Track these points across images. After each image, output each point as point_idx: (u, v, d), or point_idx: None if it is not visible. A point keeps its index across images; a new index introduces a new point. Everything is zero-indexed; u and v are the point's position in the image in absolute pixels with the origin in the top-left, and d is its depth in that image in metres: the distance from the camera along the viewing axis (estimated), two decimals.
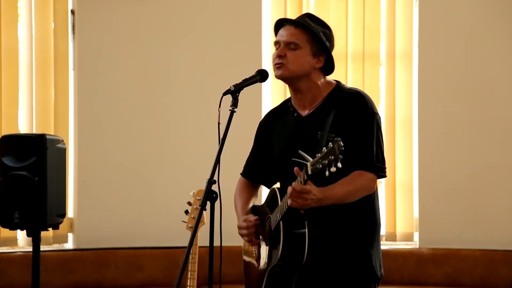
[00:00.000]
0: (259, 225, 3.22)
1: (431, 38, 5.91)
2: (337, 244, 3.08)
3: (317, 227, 3.03)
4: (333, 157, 2.70)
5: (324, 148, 2.74)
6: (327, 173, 2.72)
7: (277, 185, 3.28)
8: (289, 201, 2.91)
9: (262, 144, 3.33)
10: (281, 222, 3.02)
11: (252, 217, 3.20)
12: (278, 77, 3.15)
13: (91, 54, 5.91)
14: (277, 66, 3.13)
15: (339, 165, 2.70)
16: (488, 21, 5.89)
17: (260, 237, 3.21)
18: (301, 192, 2.86)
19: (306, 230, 3.00)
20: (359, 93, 3.13)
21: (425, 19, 5.91)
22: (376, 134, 3.08)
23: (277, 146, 3.23)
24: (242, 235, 3.23)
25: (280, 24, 3.20)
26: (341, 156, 2.69)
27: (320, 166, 2.72)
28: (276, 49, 3.16)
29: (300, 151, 2.83)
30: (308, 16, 3.21)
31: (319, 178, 2.83)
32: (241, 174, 3.43)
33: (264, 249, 3.20)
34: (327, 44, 3.13)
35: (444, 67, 5.89)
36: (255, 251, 3.25)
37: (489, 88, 5.87)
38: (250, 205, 3.34)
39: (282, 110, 3.29)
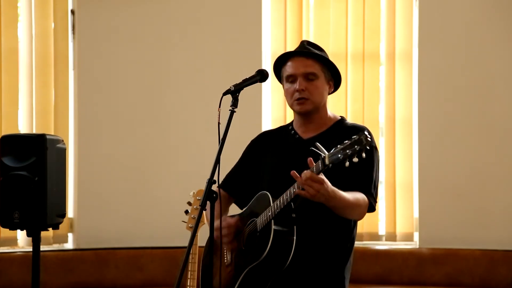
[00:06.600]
0: (235, 232, 3.20)
1: (431, 38, 5.91)
2: (317, 257, 3.08)
3: (304, 235, 3.02)
4: (358, 147, 2.66)
5: (347, 141, 2.70)
6: (347, 163, 2.68)
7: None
8: (295, 189, 2.85)
9: (249, 161, 3.33)
10: (272, 221, 3.01)
11: (231, 219, 3.19)
12: (303, 112, 3.14)
13: (91, 54, 5.91)
14: (300, 101, 3.11)
15: (364, 155, 2.67)
16: (488, 21, 5.89)
17: (236, 243, 3.19)
18: (316, 181, 2.79)
19: (295, 235, 2.99)
20: (364, 127, 3.11)
21: (425, 19, 5.91)
22: (375, 168, 3.09)
23: (272, 161, 3.21)
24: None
25: (284, 58, 3.17)
26: (368, 148, 2.67)
27: (341, 156, 2.68)
28: (290, 82, 3.14)
29: (317, 143, 2.78)
30: (309, 43, 3.20)
31: (335, 172, 2.81)
32: (218, 186, 3.16)
33: (238, 254, 3.17)
34: (338, 69, 3.15)
35: (444, 67, 5.89)
36: (226, 256, 3.23)
37: (489, 88, 5.87)
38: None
39: (281, 133, 3.29)
